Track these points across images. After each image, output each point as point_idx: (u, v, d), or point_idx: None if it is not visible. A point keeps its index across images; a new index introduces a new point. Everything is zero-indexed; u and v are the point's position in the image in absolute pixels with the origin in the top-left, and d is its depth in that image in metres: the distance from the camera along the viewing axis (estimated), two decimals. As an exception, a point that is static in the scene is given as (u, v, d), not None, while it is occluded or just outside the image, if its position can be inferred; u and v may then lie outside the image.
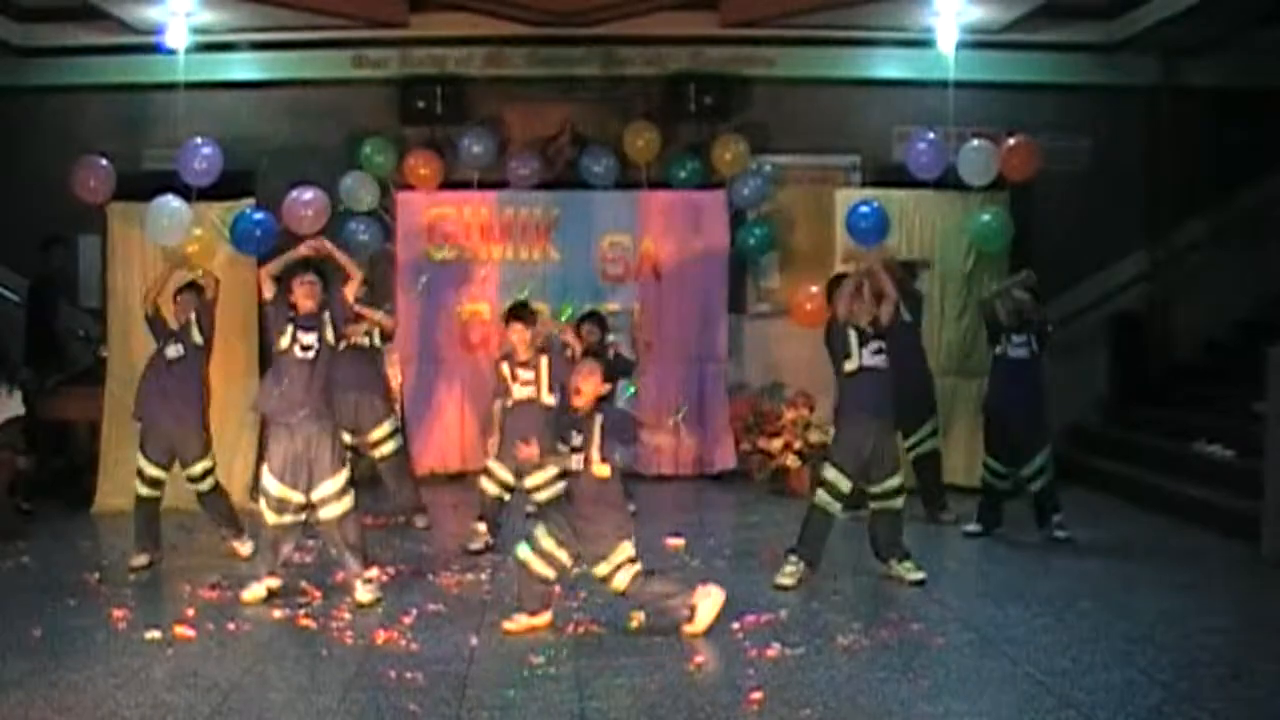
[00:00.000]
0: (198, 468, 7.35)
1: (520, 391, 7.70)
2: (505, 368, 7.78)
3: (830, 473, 6.82)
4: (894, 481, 6.86)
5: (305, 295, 6.58)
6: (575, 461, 5.76)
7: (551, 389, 7.64)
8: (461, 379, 10.57)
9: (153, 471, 7.29)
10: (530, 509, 7.98)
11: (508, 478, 7.70)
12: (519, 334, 7.75)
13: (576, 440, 5.75)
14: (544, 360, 7.73)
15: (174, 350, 7.36)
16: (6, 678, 5.09)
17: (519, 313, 7.86)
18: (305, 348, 6.46)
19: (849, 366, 6.82)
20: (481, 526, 7.72)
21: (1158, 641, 5.69)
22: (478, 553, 7.57)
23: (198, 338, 7.42)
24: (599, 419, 5.74)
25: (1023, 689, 5.06)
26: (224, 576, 6.90)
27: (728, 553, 7.66)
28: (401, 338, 10.55)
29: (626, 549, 5.77)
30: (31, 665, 5.28)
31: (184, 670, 5.27)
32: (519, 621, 5.87)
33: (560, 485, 7.53)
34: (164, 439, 7.28)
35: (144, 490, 7.29)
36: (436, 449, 10.52)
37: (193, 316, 7.47)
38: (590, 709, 4.80)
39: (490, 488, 7.73)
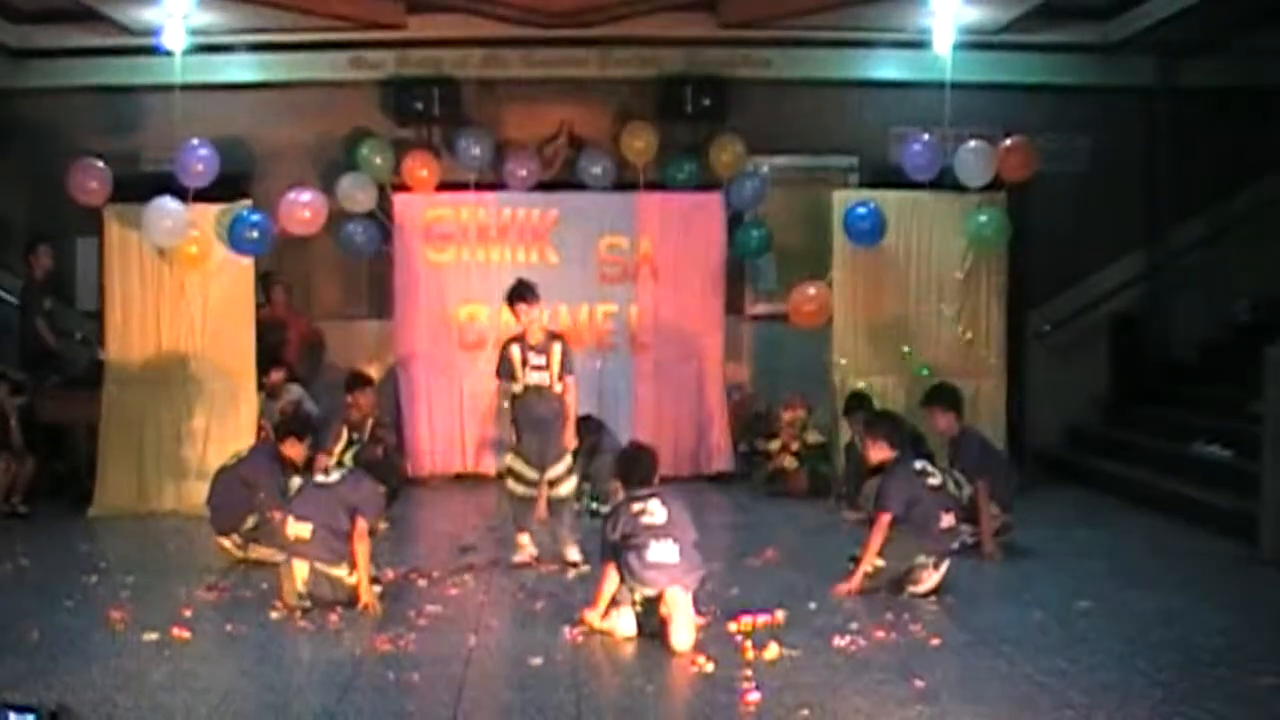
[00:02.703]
0: None
1: (531, 377, 7.25)
2: (516, 351, 7.30)
3: None
4: None
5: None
6: None
7: (562, 377, 7.31)
8: (460, 381, 10.55)
9: None
10: (594, 507, 7.80)
11: (530, 473, 7.34)
12: (526, 313, 7.25)
13: None
14: (556, 347, 7.32)
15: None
16: (4, 679, 5.08)
17: (523, 292, 7.29)
18: None
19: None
20: (524, 538, 7.39)
21: (1157, 641, 5.69)
22: (523, 565, 7.26)
23: None
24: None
25: (1021, 689, 5.05)
26: (221, 577, 6.90)
27: (726, 554, 7.64)
28: (399, 340, 10.59)
29: None
30: (29, 667, 5.26)
31: (181, 672, 5.26)
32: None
33: (573, 483, 7.46)
34: None
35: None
36: (435, 451, 10.50)
37: None
38: (587, 710, 4.79)
39: (517, 488, 7.38)
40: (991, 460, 7.97)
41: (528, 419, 7.33)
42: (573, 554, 7.29)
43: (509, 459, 7.46)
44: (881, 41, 10.87)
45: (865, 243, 9.65)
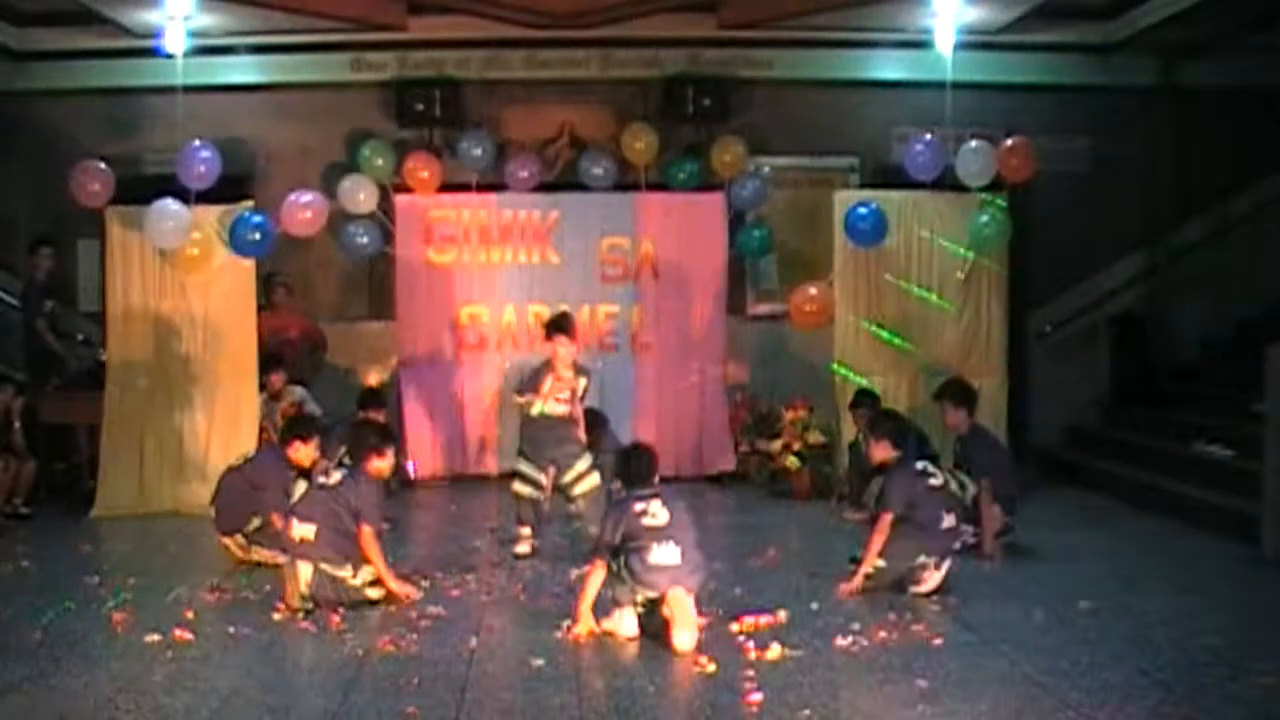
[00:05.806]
0: None
1: (554, 408, 7.50)
2: (549, 382, 7.48)
3: None
4: None
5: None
6: None
7: (573, 403, 7.57)
8: (461, 382, 10.55)
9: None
10: (573, 508, 7.81)
11: (535, 474, 7.58)
12: (565, 347, 7.48)
13: None
14: (582, 381, 7.62)
15: None
16: (6, 681, 5.09)
17: (563, 325, 7.59)
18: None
19: None
20: (525, 530, 7.62)
21: (1158, 641, 5.69)
22: (525, 556, 7.49)
23: None
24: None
25: (1022, 689, 5.05)
26: (223, 579, 6.91)
27: (727, 555, 7.65)
28: (401, 341, 10.60)
29: None
30: (31, 669, 5.27)
31: (183, 674, 5.26)
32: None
33: (596, 477, 7.55)
34: None
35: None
36: (435, 453, 10.50)
37: None
38: (590, 711, 4.80)
39: (523, 489, 7.61)
40: (999, 461, 7.97)
41: (536, 440, 7.58)
42: None
43: (517, 462, 7.71)
44: (882, 42, 10.88)
45: (866, 243, 9.65)
